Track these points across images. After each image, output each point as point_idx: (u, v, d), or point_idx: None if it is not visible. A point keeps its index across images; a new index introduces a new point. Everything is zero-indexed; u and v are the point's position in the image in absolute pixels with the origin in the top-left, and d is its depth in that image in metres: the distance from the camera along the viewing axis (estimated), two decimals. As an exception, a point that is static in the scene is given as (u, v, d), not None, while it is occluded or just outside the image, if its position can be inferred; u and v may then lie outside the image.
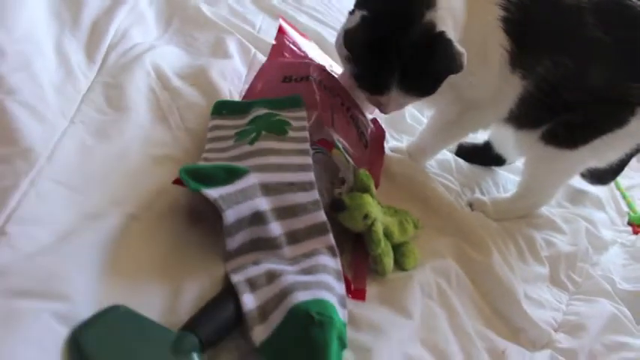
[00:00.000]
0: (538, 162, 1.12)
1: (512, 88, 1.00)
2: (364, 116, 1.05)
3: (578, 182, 1.32)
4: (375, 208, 0.82)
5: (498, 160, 1.27)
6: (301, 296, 0.64)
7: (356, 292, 0.77)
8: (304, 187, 0.76)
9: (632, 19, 1.01)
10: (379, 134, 1.09)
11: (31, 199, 0.65)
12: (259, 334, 0.63)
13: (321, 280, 0.67)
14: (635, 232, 1.29)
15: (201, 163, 0.79)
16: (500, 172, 1.27)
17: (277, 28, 1.14)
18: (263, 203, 0.72)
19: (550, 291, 1.03)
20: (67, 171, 0.72)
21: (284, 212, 0.73)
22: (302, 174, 0.77)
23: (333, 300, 0.66)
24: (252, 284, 0.66)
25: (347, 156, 0.90)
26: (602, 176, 1.28)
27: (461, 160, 1.24)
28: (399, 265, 0.86)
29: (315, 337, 0.61)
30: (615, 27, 0.99)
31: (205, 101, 0.99)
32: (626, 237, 1.27)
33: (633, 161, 1.60)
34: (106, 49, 1.00)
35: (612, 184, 1.43)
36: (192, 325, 0.62)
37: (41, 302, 0.57)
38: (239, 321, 0.65)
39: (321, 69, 1.02)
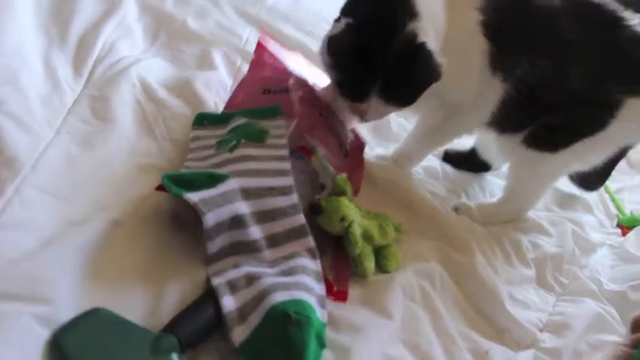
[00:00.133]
0: (521, 166, 1.14)
1: (493, 91, 1.03)
2: (344, 127, 1.07)
3: (567, 186, 1.34)
4: (352, 211, 0.84)
5: (484, 166, 1.29)
6: (279, 297, 0.66)
7: (338, 293, 0.79)
8: (283, 191, 0.78)
9: (607, 21, 1.04)
10: (359, 145, 1.11)
11: (14, 206, 0.68)
12: (239, 334, 0.65)
13: (300, 281, 0.70)
14: (624, 234, 1.31)
15: (184, 171, 0.81)
16: (487, 177, 1.29)
17: (257, 44, 1.17)
18: (243, 207, 0.74)
19: (536, 292, 1.04)
20: (51, 179, 0.75)
21: (263, 216, 0.76)
22: (281, 179, 0.79)
23: (311, 300, 0.68)
24: (232, 286, 0.68)
25: (326, 162, 0.93)
26: (590, 182, 1.31)
27: (447, 166, 1.26)
28: (381, 267, 0.88)
29: (293, 336, 0.63)
30: (591, 29, 1.02)
31: (191, 112, 1.02)
32: (614, 239, 1.28)
33: (622, 164, 1.63)
34: (93, 62, 1.04)
35: (601, 187, 1.44)
36: (172, 327, 0.64)
37: (23, 305, 0.59)
38: (219, 323, 0.67)
39: (301, 81, 1.04)
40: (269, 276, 0.70)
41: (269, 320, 0.64)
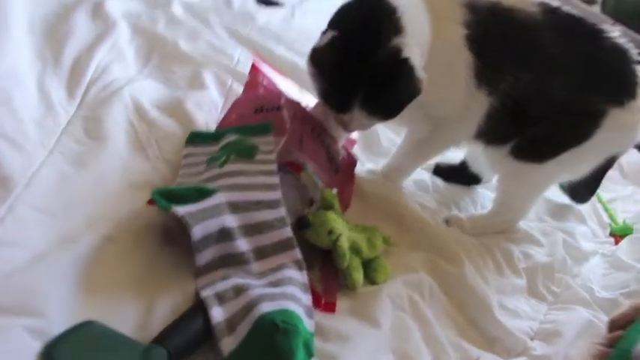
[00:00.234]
0: (509, 177, 1.17)
1: (479, 104, 1.06)
2: (335, 144, 1.10)
3: (560, 197, 1.37)
4: (339, 224, 0.86)
5: (475, 179, 1.32)
6: (267, 307, 0.68)
7: (326, 305, 0.81)
8: (271, 205, 0.81)
9: (587, 34, 1.08)
10: (350, 161, 1.14)
11: (8, 223, 0.71)
12: (228, 344, 0.67)
13: (287, 292, 0.72)
14: (617, 243, 1.33)
15: (173, 186, 0.84)
16: (478, 189, 1.32)
17: (251, 65, 1.21)
18: (230, 220, 0.77)
19: (528, 302, 1.06)
20: (44, 197, 0.78)
21: (251, 229, 0.78)
22: (269, 193, 0.82)
23: (298, 310, 0.70)
24: (221, 298, 0.71)
25: (315, 178, 0.95)
26: (580, 194, 1.34)
27: (438, 180, 1.29)
28: (370, 279, 0.91)
29: (281, 344, 0.65)
30: (572, 42, 1.06)
31: (182, 132, 1.05)
32: (607, 248, 1.30)
33: (616, 175, 1.66)
34: (86, 84, 1.07)
35: (594, 197, 1.47)
36: (161, 338, 0.66)
37: (16, 318, 0.61)
38: (208, 334, 0.69)
39: (292, 100, 1.08)
40: (257, 287, 0.72)
41: (257, 330, 0.66)
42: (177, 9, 1.48)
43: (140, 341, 0.66)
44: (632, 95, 1.08)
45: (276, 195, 0.82)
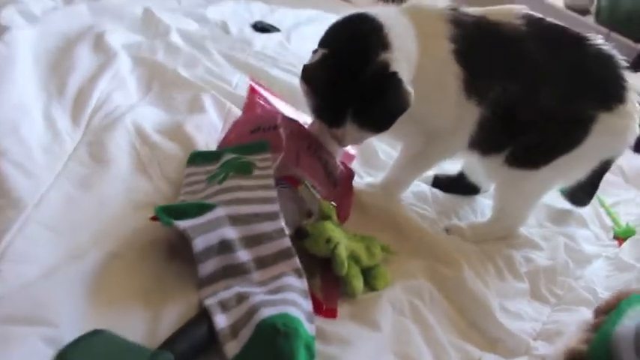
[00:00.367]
0: (506, 185, 1.21)
1: (470, 115, 1.11)
2: (332, 158, 1.16)
3: (560, 202, 1.41)
4: (337, 234, 0.91)
5: (473, 189, 1.36)
6: (267, 312, 0.73)
7: (327, 311, 0.86)
8: (269, 217, 0.86)
9: (572, 42, 1.14)
10: (348, 174, 1.19)
11: (19, 241, 0.77)
12: (231, 349, 0.71)
13: (287, 298, 0.77)
14: (620, 246, 1.36)
15: (176, 203, 0.90)
16: (477, 198, 1.36)
17: (248, 88, 1.28)
18: (230, 232, 0.83)
19: (531, 305, 1.09)
20: (53, 217, 0.84)
21: (250, 240, 0.84)
22: (267, 206, 0.87)
23: (299, 314, 0.75)
24: (224, 306, 0.76)
25: (313, 191, 1.01)
26: (579, 198, 1.38)
27: (437, 190, 1.34)
28: (370, 286, 0.95)
29: (282, 347, 0.69)
30: (557, 51, 1.12)
31: (183, 153, 1.11)
32: (611, 251, 1.33)
33: (619, 180, 1.70)
34: (90, 113, 1.14)
35: (596, 202, 1.51)
36: (167, 344, 0.71)
37: (30, 327, 0.67)
38: (212, 340, 0.74)
39: (289, 118, 1.14)
40: (258, 294, 0.77)
41: (259, 334, 0.71)
42: (175, 38, 1.56)
43: (147, 347, 0.70)
44: (620, 100, 1.13)
45: (274, 208, 0.87)
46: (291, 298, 0.77)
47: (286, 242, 0.85)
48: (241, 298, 0.76)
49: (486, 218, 1.27)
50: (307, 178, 1.03)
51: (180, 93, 1.32)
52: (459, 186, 1.36)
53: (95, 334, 0.69)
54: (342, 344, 0.80)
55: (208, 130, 1.20)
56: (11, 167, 0.88)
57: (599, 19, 2.59)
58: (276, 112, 1.20)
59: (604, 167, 1.24)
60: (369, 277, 0.95)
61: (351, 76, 0.97)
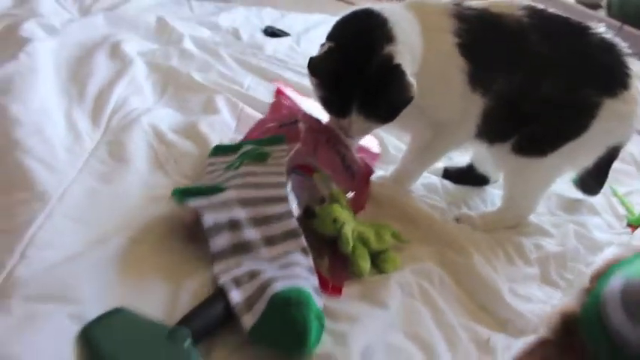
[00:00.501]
0: (514, 173, 1.25)
1: (475, 106, 1.15)
2: (351, 153, 1.20)
3: (572, 192, 1.43)
4: (344, 215, 0.96)
5: (483, 180, 1.40)
6: (279, 286, 0.78)
7: (334, 288, 0.90)
8: (278, 200, 0.92)
9: (574, 32, 1.17)
10: (367, 171, 1.23)
11: (45, 230, 0.83)
12: (247, 321, 0.76)
13: (296, 273, 0.82)
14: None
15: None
16: (487, 189, 1.40)
17: (275, 90, 1.34)
18: (239, 213, 0.89)
19: (541, 289, 1.11)
20: (75, 209, 0.90)
21: (259, 221, 0.90)
22: (276, 190, 0.93)
23: (308, 288, 0.79)
24: (238, 282, 0.81)
25: (328, 180, 1.05)
26: (589, 186, 1.40)
27: (447, 182, 1.37)
28: (379, 270, 0.99)
29: (295, 317, 0.74)
30: (560, 40, 1.15)
31: (198, 151, 1.18)
32: (625, 238, 1.35)
33: (632, 169, 1.72)
34: (108, 115, 1.21)
35: (609, 192, 1.53)
36: (185, 321, 0.76)
37: (57, 305, 0.73)
38: (227, 318, 0.79)
39: (310, 115, 1.20)
40: (268, 271, 0.82)
41: (272, 306, 0.76)
42: (188, 45, 1.63)
43: (165, 324, 0.75)
44: (624, 86, 1.15)
45: (283, 192, 0.93)
46: (299, 274, 0.82)
47: (293, 223, 0.90)
48: (253, 274, 0.82)
49: (496, 207, 1.30)
50: (324, 170, 1.07)
51: (194, 95, 1.39)
52: (468, 177, 1.40)
53: (117, 311, 0.75)
54: (350, 321, 0.84)
55: (222, 129, 1.26)
56: (36, 163, 0.94)
57: (611, 13, 2.60)
58: (298, 110, 1.26)
59: (612, 154, 1.26)
60: (378, 260, 0.99)
61: (356, 69, 1.02)
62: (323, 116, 1.22)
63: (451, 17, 1.12)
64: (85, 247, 0.83)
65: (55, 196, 0.90)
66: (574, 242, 1.24)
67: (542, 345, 0.61)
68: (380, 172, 1.33)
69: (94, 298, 0.75)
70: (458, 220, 1.24)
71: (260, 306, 0.76)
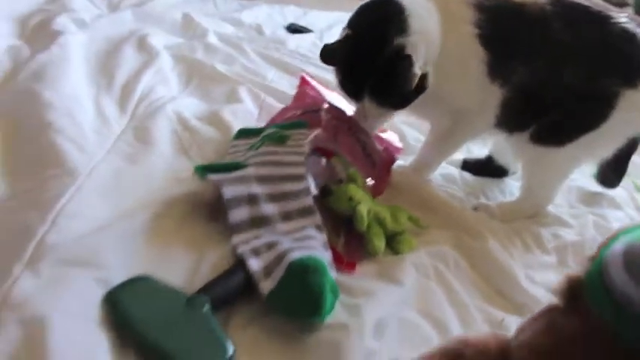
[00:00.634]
0: (532, 163, 1.26)
1: (493, 97, 1.17)
2: (372, 142, 1.23)
3: (592, 185, 1.43)
4: (360, 195, 0.99)
5: (502, 171, 1.41)
6: (297, 254, 0.82)
7: (348, 264, 0.94)
8: (295, 178, 0.96)
9: (596, 21, 1.18)
10: (389, 159, 1.26)
11: (74, 203, 0.88)
12: (266, 287, 0.80)
13: (311, 246, 0.86)
14: (655, 225, 1.37)
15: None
16: (506, 180, 1.41)
17: (299, 80, 1.38)
18: (258, 189, 0.93)
19: (558, 277, 1.12)
20: (103, 186, 0.96)
21: (277, 197, 0.94)
22: (295, 168, 0.97)
23: (323, 259, 0.82)
24: (256, 252, 0.85)
25: (346, 163, 1.09)
26: (609, 179, 1.40)
27: (465, 173, 1.39)
28: (395, 251, 1.01)
29: (311, 282, 0.77)
30: (581, 29, 1.16)
31: (221, 137, 1.22)
32: (646, 232, 1.35)
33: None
34: (135, 102, 1.27)
35: (631, 186, 1.52)
36: (204, 289, 0.80)
37: (85, 270, 0.77)
38: (247, 289, 0.82)
39: (333, 105, 1.24)
40: (285, 242, 0.86)
41: (290, 272, 0.79)
42: (212, 39, 1.69)
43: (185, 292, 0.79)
44: None
45: (300, 170, 0.97)
46: (314, 246, 0.86)
47: (309, 200, 0.95)
48: (271, 245, 0.86)
49: (513, 197, 1.31)
50: (344, 155, 1.11)
51: (218, 86, 1.44)
52: (487, 169, 1.41)
53: (140, 278, 0.79)
54: (365, 296, 0.87)
55: (244, 116, 1.31)
56: (67, 143, 1.00)
57: (638, 11, 2.59)
58: (322, 100, 1.30)
59: (632, 146, 1.27)
60: (394, 242, 1.01)
61: (369, 57, 1.06)
62: (347, 108, 1.27)
63: (471, 7, 1.14)
64: (111, 219, 0.88)
65: (84, 173, 0.95)
66: (593, 232, 1.24)
67: (548, 311, 0.63)
68: (399, 162, 1.35)
69: (119, 265, 0.80)
70: (476, 209, 1.26)
71: (278, 272, 0.80)
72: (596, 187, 1.44)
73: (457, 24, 1.14)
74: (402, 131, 1.45)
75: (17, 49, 1.37)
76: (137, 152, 1.08)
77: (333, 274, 0.83)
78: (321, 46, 1.89)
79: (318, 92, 1.38)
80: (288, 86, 1.53)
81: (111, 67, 1.39)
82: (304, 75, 1.42)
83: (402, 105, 1.11)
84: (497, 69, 1.13)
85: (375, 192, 1.14)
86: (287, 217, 0.92)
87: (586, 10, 1.19)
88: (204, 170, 0.96)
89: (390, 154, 1.27)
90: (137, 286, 0.78)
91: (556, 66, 1.14)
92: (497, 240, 1.13)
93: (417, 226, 1.09)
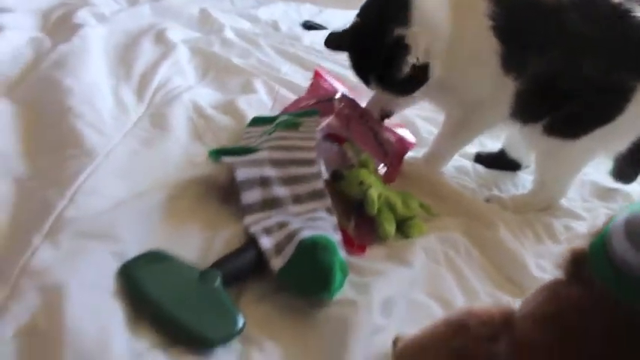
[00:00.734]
0: (546, 155, 1.26)
1: (507, 88, 1.17)
2: (383, 131, 1.25)
3: (608, 181, 1.43)
4: (371, 179, 1.01)
5: (514, 165, 1.42)
6: (307, 233, 0.84)
7: (358, 247, 0.96)
8: (307, 162, 0.99)
9: (613, 14, 1.18)
10: (403, 148, 1.29)
11: (92, 181, 0.91)
12: (277, 263, 0.83)
13: (321, 226, 0.88)
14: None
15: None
16: (519, 173, 1.42)
17: (314, 72, 1.41)
18: (270, 172, 0.96)
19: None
20: (120, 167, 0.99)
21: (288, 181, 0.97)
22: (306, 153, 1.00)
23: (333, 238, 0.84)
24: (268, 231, 0.88)
25: (358, 149, 1.11)
26: (625, 174, 1.39)
27: (478, 165, 1.40)
28: (405, 235, 1.03)
29: (322, 259, 0.80)
30: (598, 22, 1.17)
31: (235, 124, 1.25)
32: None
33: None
34: (152, 92, 1.30)
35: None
36: (217, 264, 0.82)
37: (102, 243, 0.80)
38: (258, 266, 0.84)
39: (346, 95, 1.27)
40: (296, 222, 0.88)
41: (300, 249, 0.82)
42: (229, 34, 1.73)
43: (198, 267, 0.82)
44: None
45: (312, 155, 0.99)
46: (324, 227, 0.88)
47: (320, 184, 0.97)
48: (282, 225, 0.88)
49: (526, 190, 1.32)
50: (356, 143, 1.13)
51: (233, 78, 1.47)
52: (500, 162, 1.42)
53: (155, 252, 0.82)
54: (374, 275, 0.88)
55: (259, 106, 1.34)
56: (85, 126, 1.04)
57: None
58: (335, 91, 1.33)
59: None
60: (404, 226, 1.03)
61: (373, 45, 1.10)
62: (361, 100, 1.29)
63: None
64: (127, 197, 0.91)
65: (102, 154, 0.98)
66: (605, 225, 1.24)
67: (552, 284, 0.64)
68: (411, 154, 1.37)
69: (135, 240, 0.82)
70: (488, 200, 1.26)
71: (289, 250, 0.82)
72: (612, 184, 1.43)
73: (471, 16, 1.15)
74: (416, 124, 1.47)
75: (39, 41, 1.42)
76: (153, 137, 1.11)
77: (342, 254, 0.85)
78: (335, 43, 1.95)
79: (331, 85, 1.41)
80: (302, 79, 1.55)
81: (129, 59, 1.42)
82: (318, 68, 1.44)
83: (405, 92, 1.15)
84: (511, 61, 1.14)
85: (387, 180, 1.16)
86: (298, 199, 0.95)
87: (605, 2, 1.19)
88: (218, 153, 0.99)
89: (404, 144, 1.29)
90: (151, 259, 0.80)
91: (574, 57, 1.14)
92: (508, 230, 1.14)
93: (428, 214, 1.10)
